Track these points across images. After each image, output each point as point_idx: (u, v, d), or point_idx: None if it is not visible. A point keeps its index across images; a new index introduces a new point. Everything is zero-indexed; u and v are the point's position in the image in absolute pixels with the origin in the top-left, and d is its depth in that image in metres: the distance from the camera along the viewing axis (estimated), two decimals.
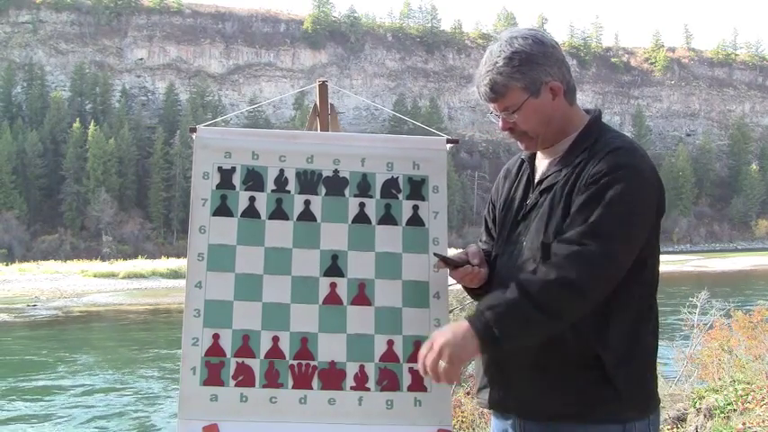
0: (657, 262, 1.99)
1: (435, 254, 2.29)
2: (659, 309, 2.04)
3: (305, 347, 2.29)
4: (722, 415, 5.68)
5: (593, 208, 1.85)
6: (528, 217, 2.01)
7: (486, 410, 7.74)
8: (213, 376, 2.26)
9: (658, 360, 2.04)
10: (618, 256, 1.83)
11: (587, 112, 2.06)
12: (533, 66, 1.93)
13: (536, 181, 2.05)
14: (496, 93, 1.96)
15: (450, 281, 2.33)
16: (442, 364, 1.84)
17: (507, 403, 2.00)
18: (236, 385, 2.26)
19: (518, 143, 2.06)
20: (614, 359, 1.86)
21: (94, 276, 54.38)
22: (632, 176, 1.85)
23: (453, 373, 1.85)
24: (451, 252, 2.41)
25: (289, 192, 2.39)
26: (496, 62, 1.94)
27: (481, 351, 1.86)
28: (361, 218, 2.40)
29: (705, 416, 5.82)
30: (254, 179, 2.39)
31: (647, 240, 1.90)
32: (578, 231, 1.85)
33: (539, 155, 2.09)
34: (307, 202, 2.39)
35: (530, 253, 1.96)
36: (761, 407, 5.60)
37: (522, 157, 2.13)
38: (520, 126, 1.99)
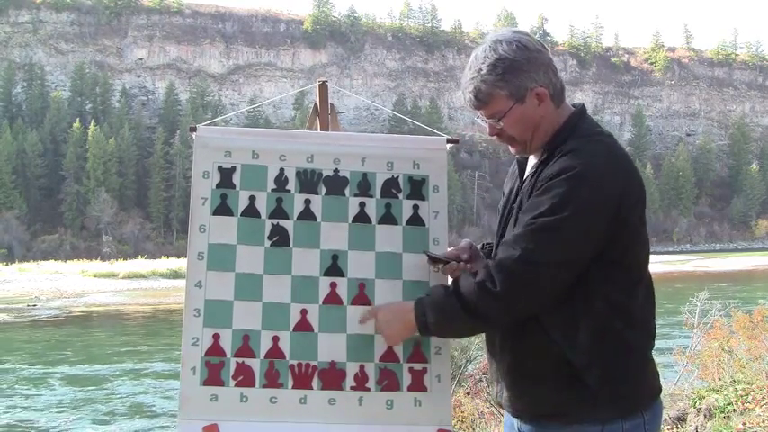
0: (637, 261, 1.95)
1: (424, 251, 2.29)
2: (657, 309, 2.04)
3: None
4: (722, 415, 5.68)
5: (531, 211, 1.87)
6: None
7: (485, 410, 7.79)
8: (213, 376, 2.26)
9: (658, 360, 2.04)
10: (544, 261, 1.83)
11: (574, 106, 2.04)
12: (518, 73, 1.92)
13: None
14: (481, 101, 1.96)
15: (451, 280, 2.33)
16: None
17: (502, 401, 2.07)
18: (236, 385, 2.26)
19: (508, 147, 2.07)
20: (584, 360, 1.87)
21: (94, 276, 54.35)
22: (577, 180, 1.83)
23: (389, 341, 2.20)
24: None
25: (289, 191, 2.39)
26: (480, 69, 1.93)
27: (420, 333, 2.08)
28: (362, 217, 2.39)
29: (705, 416, 5.83)
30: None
31: (612, 240, 1.86)
32: (514, 235, 1.90)
33: (531, 156, 2.09)
34: (307, 202, 2.38)
35: None
36: (761, 407, 5.60)
37: (517, 158, 2.13)
38: (507, 132, 2.00)
